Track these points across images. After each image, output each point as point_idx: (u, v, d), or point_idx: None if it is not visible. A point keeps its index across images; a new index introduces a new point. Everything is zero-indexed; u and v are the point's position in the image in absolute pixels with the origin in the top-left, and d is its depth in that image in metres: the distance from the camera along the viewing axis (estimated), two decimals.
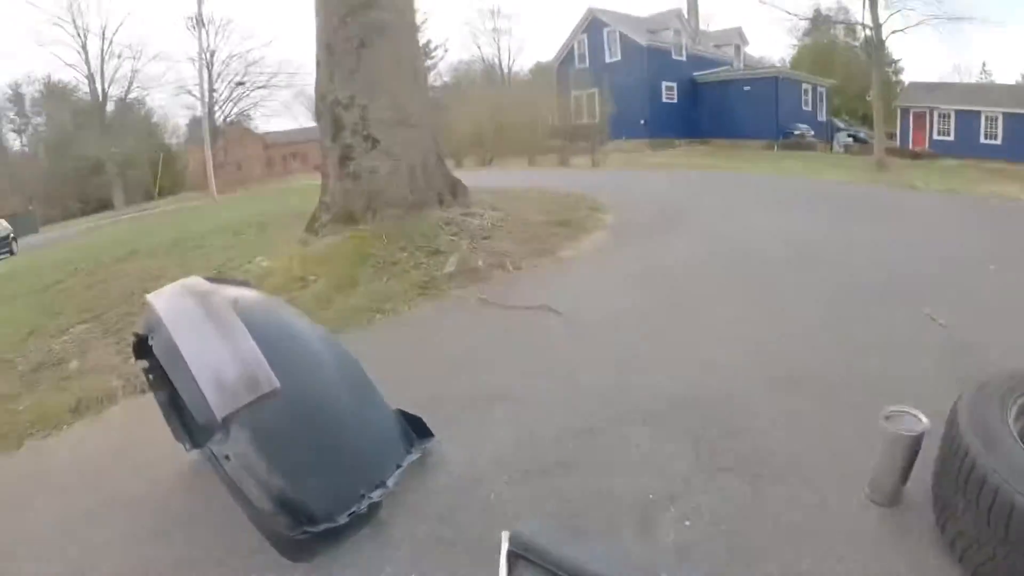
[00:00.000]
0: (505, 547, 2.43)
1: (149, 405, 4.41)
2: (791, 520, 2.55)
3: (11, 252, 27.65)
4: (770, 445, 3.01)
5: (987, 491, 2.15)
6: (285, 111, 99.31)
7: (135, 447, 4.03)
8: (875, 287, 5.36)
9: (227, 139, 56.16)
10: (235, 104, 58.97)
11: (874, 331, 4.36)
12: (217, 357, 2.54)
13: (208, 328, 2.64)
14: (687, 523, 2.56)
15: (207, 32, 49.74)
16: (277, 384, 2.51)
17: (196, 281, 3.06)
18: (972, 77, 44.38)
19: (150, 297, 2.99)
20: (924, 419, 2.65)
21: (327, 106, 8.13)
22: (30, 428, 4.66)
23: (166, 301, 2.88)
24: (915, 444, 2.65)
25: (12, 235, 29.45)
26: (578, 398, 3.69)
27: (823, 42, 47.10)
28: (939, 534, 2.43)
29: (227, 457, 2.44)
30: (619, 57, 36.84)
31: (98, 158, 52.22)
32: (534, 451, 3.16)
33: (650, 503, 2.68)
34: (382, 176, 7.84)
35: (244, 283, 3.55)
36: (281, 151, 65.22)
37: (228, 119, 58.32)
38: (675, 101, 37.08)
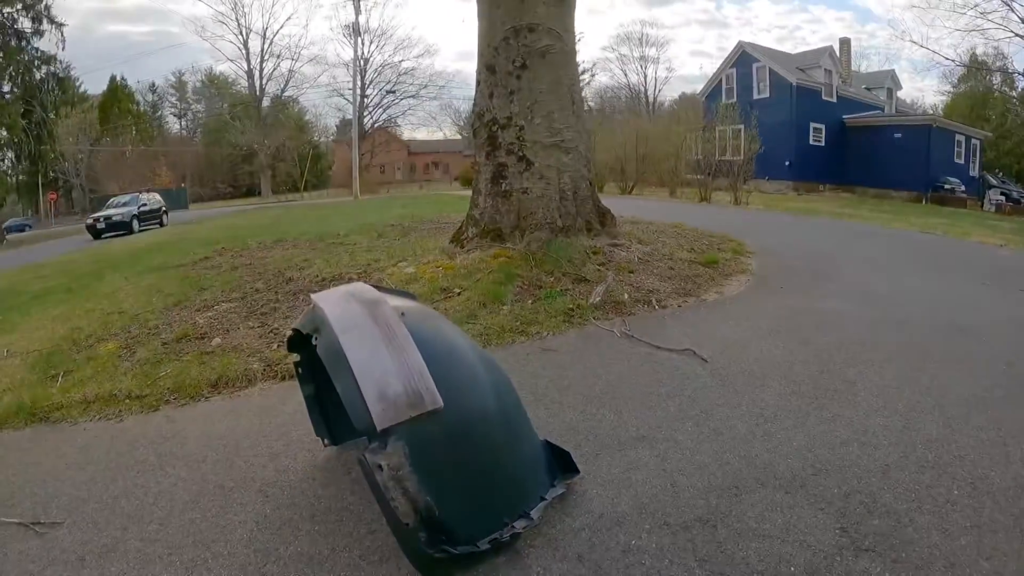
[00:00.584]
0: None
1: (287, 393, 4.60)
2: None
3: (161, 224, 29.68)
4: (915, 529, 2.84)
5: None
6: (431, 121, 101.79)
7: (270, 432, 4.13)
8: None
9: (373, 143, 58.11)
10: (384, 110, 61.34)
11: None
12: (383, 368, 2.57)
13: (376, 338, 2.68)
14: None
15: (362, 41, 51.87)
16: (440, 403, 2.53)
17: (363, 287, 3.12)
18: None
19: (316, 297, 3.08)
20: None
21: (484, 124, 8.26)
22: (168, 395, 4.89)
23: (333, 304, 2.94)
24: None
25: (164, 208, 31.52)
26: (721, 452, 3.57)
27: (978, 90, 44.82)
28: None
29: (380, 467, 2.45)
30: (767, 94, 36.17)
31: (250, 148, 55.14)
32: (676, 502, 3.08)
33: None
34: (533, 197, 7.88)
35: (409, 294, 3.62)
36: (423, 159, 67.41)
37: (376, 124, 60.37)
38: (822, 144, 36.08)
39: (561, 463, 3.23)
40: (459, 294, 6.53)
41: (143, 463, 3.82)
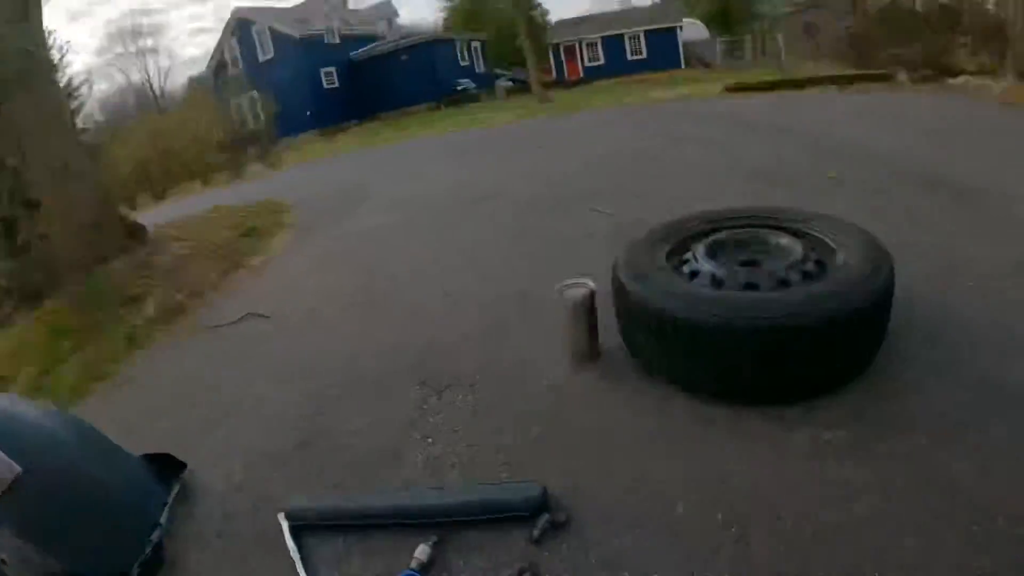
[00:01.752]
0: (286, 525, 2.78)
1: None
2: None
3: None
4: (490, 338, 4.01)
5: (637, 307, 3.07)
6: None
7: None
8: (550, 198, 6.72)
9: None
10: None
11: (557, 227, 5.65)
12: None
13: None
14: (429, 439, 3.25)
15: None
16: (19, 469, 2.50)
17: None
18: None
19: None
20: (591, 283, 3.42)
21: None
22: None
23: None
24: (588, 303, 3.41)
25: None
26: (296, 398, 4.11)
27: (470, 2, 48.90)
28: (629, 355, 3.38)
29: (3, 561, 2.44)
30: (272, 54, 36.18)
31: None
32: (277, 451, 3.51)
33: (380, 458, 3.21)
34: (55, 240, 7.26)
35: None
36: None
37: None
38: (337, 85, 37.18)
39: (167, 465, 3.41)
40: (15, 378, 5.77)
41: None
